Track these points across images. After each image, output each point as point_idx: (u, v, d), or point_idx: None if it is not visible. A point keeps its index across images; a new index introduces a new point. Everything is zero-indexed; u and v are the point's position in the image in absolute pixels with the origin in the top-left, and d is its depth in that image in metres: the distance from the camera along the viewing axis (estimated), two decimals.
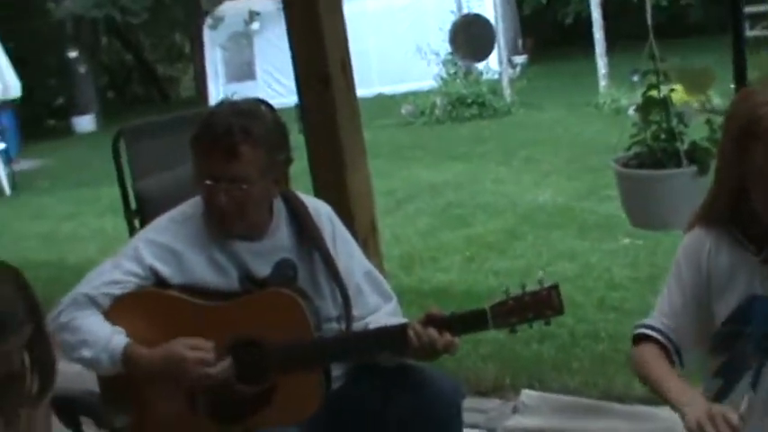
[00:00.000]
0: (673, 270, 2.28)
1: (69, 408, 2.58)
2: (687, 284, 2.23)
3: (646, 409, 3.41)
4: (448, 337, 2.40)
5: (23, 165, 14.68)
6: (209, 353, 2.46)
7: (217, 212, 2.54)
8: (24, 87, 14.33)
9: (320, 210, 2.77)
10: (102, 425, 2.53)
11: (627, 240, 6.11)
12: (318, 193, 3.46)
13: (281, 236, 2.66)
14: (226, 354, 2.50)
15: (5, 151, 12.70)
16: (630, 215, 3.87)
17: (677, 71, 3.95)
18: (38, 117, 21.17)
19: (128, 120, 3.63)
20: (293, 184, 3.46)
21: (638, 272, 5.50)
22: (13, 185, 12.49)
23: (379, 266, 3.63)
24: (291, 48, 3.49)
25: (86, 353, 2.50)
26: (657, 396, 2.19)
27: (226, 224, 2.57)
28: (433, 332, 2.40)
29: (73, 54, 20.57)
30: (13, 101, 14.18)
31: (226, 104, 2.62)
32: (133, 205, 3.21)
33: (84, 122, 19.57)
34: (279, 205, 2.68)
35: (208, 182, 2.50)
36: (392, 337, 2.47)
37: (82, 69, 20.68)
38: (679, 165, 3.62)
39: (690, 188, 3.49)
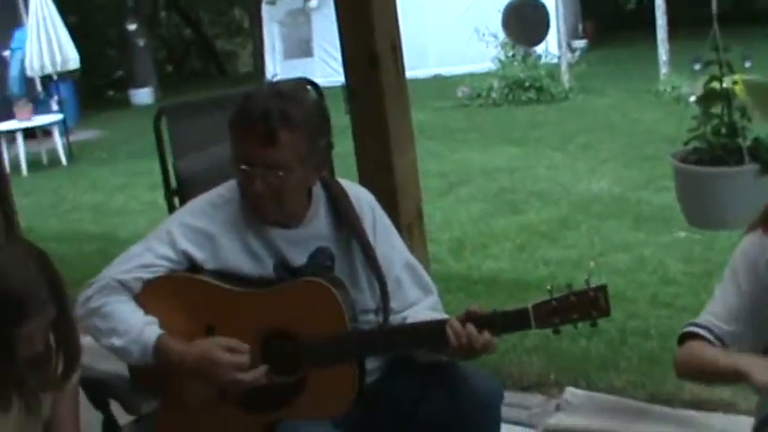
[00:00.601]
0: (727, 273, 2.17)
1: (98, 390, 2.55)
2: (745, 291, 2.12)
3: (695, 413, 3.29)
4: (487, 336, 2.31)
5: (81, 135, 14.80)
6: (245, 356, 2.39)
7: (252, 199, 2.46)
8: (84, 59, 14.42)
9: (361, 198, 2.67)
10: (129, 409, 2.48)
11: (683, 234, 5.94)
12: (363, 177, 3.39)
13: (319, 224, 2.57)
14: (258, 345, 2.42)
15: (63, 122, 12.80)
16: (687, 213, 3.74)
17: (749, 85, 3.75)
18: (97, 89, 21.40)
19: (185, 93, 3.58)
20: (338, 163, 3.41)
21: (692, 267, 5.35)
22: (70, 156, 12.59)
23: (424, 254, 3.55)
24: (339, 25, 3.40)
25: (117, 341, 2.43)
26: (715, 378, 2.12)
27: (261, 211, 2.48)
28: (472, 330, 2.30)
29: (132, 27, 20.68)
30: (72, 72, 14.26)
31: (265, 86, 2.52)
32: (173, 184, 3.15)
33: (142, 95, 19.69)
34: (318, 192, 2.59)
35: (243, 167, 2.41)
36: (430, 333, 2.38)
37: (141, 42, 20.79)
38: (740, 162, 3.48)
39: (751, 187, 3.35)
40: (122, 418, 2.55)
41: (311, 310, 2.43)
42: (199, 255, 2.50)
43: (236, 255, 2.50)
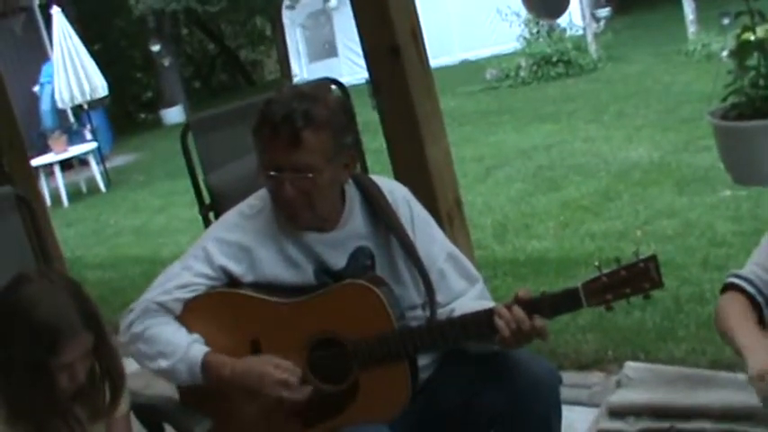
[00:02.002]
0: None
1: (151, 415, 2.54)
2: None
3: (727, 375, 3.20)
4: (538, 321, 2.25)
5: (117, 161, 14.95)
6: (294, 376, 2.35)
7: (284, 205, 2.42)
8: (112, 85, 14.54)
9: (396, 192, 2.62)
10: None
11: (728, 192, 5.82)
12: (397, 170, 3.35)
13: (355, 223, 2.52)
14: (305, 354, 2.39)
15: (98, 149, 12.91)
16: (731, 171, 3.64)
17: None
18: (128, 113, 21.60)
19: (216, 107, 3.55)
20: (373, 160, 3.38)
21: (742, 226, 5.22)
22: (108, 182, 12.70)
23: (467, 241, 3.51)
24: (356, 21, 3.35)
25: (164, 363, 2.41)
26: (730, 344, 2.06)
27: (295, 217, 2.44)
28: (521, 317, 2.25)
29: (156, 48, 20.81)
30: (102, 99, 14.39)
31: (285, 89, 2.47)
32: (207, 199, 3.13)
33: (173, 114, 19.80)
34: (351, 191, 2.54)
35: (272, 173, 2.37)
36: (479, 323, 2.32)
37: (166, 62, 20.94)
38: None
39: None
40: None
41: (356, 314, 2.39)
42: (237, 269, 2.47)
43: (274, 264, 2.47)
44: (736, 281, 2.14)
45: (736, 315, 2.06)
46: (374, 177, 2.66)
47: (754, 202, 5.50)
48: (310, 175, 2.34)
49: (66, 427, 2.16)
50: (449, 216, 3.35)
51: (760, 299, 2.09)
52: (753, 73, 3.55)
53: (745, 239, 4.93)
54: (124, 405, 2.36)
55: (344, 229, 2.50)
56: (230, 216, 2.58)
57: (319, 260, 2.48)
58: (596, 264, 2.25)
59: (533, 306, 2.26)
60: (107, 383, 2.23)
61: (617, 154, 7.74)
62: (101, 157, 13.07)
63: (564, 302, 2.27)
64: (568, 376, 3.61)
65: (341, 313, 2.39)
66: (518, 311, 2.25)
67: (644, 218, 5.89)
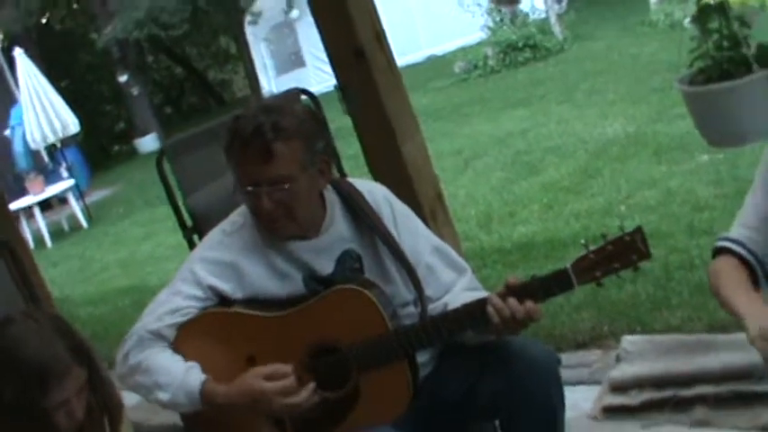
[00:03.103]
0: (756, 182, 2.13)
1: None
2: None
3: (736, 336, 3.21)
4: (530, 305, 2.25)
5: (96, 195, 14.90)
6: (290, 379, 2.34)
7: (264, 218, 2.42)
8: (83, 120, 14.49)
9: (375, 192, 2.62)
10: None
11: (705, 157, 5.85)
12: (375, 172, 3.36)
13: (338, 228, 2.52)
14: (304, 366, 2.38)
15: (76, 186, 12.86)
16: (705, 135, 3.65)
17: None
18: (102, 146, 21.51)
19: (189, 130, 3.55)
20: (351, 165, 3.38)
21: (722, 188, 5.24)
22: (89, 218, 12.65)
23: (452, 235, 3.51)
24: (318, 28, 3.35)
25: (163, 395, 2.40)
26: (726, 310, 2.06)
27: (276, 228, 2.44)
28: (513, 303, 2.25)
29: (123, 78, 20.77)
30: (75, 136, 14.34)
31: (252, 104, 2.47)
32: (189, 222, 3.13)
33: (147, 142, 19.76)
34: (331, 196, 2.54)
35: (248, 188, 2.37)
36: (471, 315, 2.32)
37: (135, 91, 20.89)
38: (749, 71, 3.38)
39: (765, 94, 3.24)
40: None
41: (350, 318, 2.38)
42: (225, 287, 2.47)
43: (262, 278, 2.47)
44: (727, 244, 2.14)
45: (730, 280, 2.07)
46: (352, 180, 2.67)
47: (731, 163, 5.53)
48: (286, 186, 2.34)
49: None
50: (431, 211, 3.35)
51: (751, 259, 2.10)
52: (716, 36, 3.56)
53: (728, 201, 4.95)
54: None
55: (328, 235, 2.50)
56: (213, 235, 2.57)
57: (307, 268, 2.47)
58: (583, 242, 2.25)
59: (524, 291, 2.26)
60: (105, 416, 2.21)
61: (592, 131, 7.76)
62: (79, 193, 13.03)
63: (555, 284, 2.27)
64: (567, 357, 3.62)
65: (335, 319, 2.39)
66: (510, 299, 2.25)
67: (626, 191, 5.91)
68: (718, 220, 4.73)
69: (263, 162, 2.32)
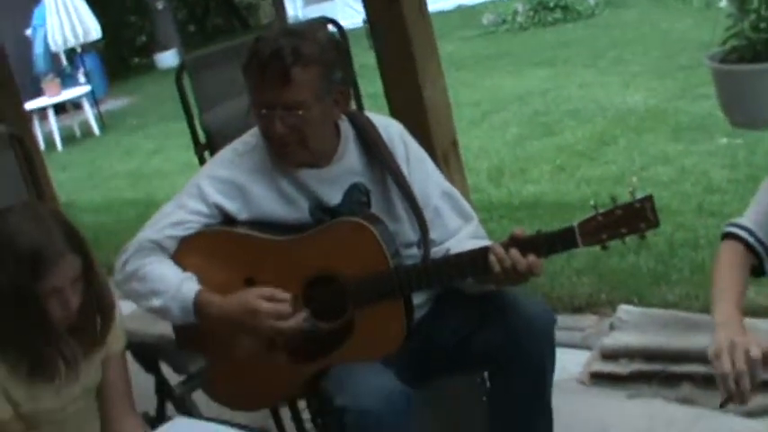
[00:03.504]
0: None
1: (147, 353, 2.54)
2: None
3: (753, 320, 3.20)
4: (532, 258, 2.24)
5: (111, 105, 14.81)
6: (285, 305, 2.34)
7: (275, 143, 2.40)
8: (106, 29, 14.38)
9: (391, 129, 2.59)
10: (179, 369, 2.46)
11: (724, 140, 5.80)
12: (394, 112, 3.33)
13: (350, 160, 2.50)
14: (300, 292, 2.38)
15: (92, 93, 12.80)
16: (729, 115, 3.62)
17: None
18: (122, 57, 21.33)
19: (211, 48, 3.52)
20: (370, 104, 3.35)
21: (737, 173, 5.20)
22: (102, 126, 12.61)
23: (462, 184, 3.50)
24: None
25: (156, 302, 2.41)
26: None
27: (286, 154, 2.43)
28: (516, 255, 2.24)
29: None
30: (96, 43, 14.24)
31: (274, 27, 2.44)
32: (202, 139, 3.12)
33: (167, 58, 19.57)
34: (346, 127, 2.53)
35: (263, 111, 2.35)
36: (473, 262, 2.32)
37: (160, 5, 20.65)
38: None
39: None
40: (174, 378, 2.53)
41: (351, 251, 2.38)
42: (231, 206, 2.46)
43: (268, 201, 2.46)
44: (735, 230, 2.13)
45: (728, 277, 2.06)
46: (370, 114, 2.64)
47: (749, 149, 5.48)
48: (300, 112, 2.32)
49: (59, 359, 2.14)
50: (445, 157, 3.34)
51: (759, 248, 2.08)
52: (753, 16, 3.52)
53: (740, 187, 4.93)
54: (120, 343, 2.35)
55: (339, 166, 2.49)
56: (224, 153, 2.56)
57: (314, 197, 2.47)
58: (592, 203, 2.24)
59: (529, 244, 2.26)
60: (98, 315, 2.21)
61: (613, 100, 7.69)
62: (95, 100, 12.96)
63: (559, 241, 2.26)
64: (562, 319, 3.61)
65: (336, 251, 2.39)
66: (513, 250, 2.25)
67: (639, 164, 5.88)
68: (728, 203, 4.71)
69: (280, 86, 2.30)
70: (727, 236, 2.15)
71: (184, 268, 2.45)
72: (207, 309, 2.39)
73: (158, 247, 2.46)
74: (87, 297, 2.14)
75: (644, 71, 8.54)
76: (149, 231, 2.48)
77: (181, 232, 2.47)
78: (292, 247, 2.42)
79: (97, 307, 2.19)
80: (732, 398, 1.86)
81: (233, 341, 2.45)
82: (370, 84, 3.80)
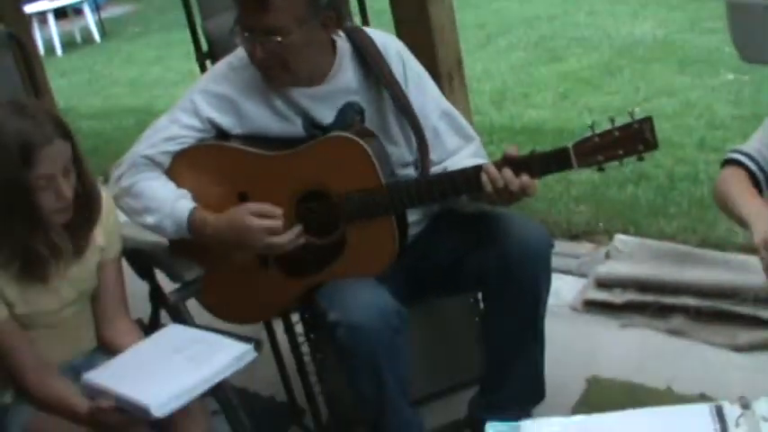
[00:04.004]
0: None
1: (142, 260, 2.54)
2: None
3: (748, 258, 3.21)
4: (525, 178, 2.19)
5: (113, 11, 14.62)
6: (277, 220, 2.32)
7: (258, 66, 2.36)
8: None
9: (389, 45, 2.52)
10: (174, 277, 2.46)
11: (731, 76, 5.76)
12: (399, 30, 3.29)
13: (344, 78, 2.45)
14: (293, 207, 2.37)
15: None
16: (740, 49, 3.57)
17: None
18: None
19: None
20: (375, 21, 3.30)
21: (741, 109, 5.18)
22: (103, 32, 12.48)
23: (465, 105, 3.47)
24: None
25: (150, 219, 2.40)
26: (732, 216, 2.02)
27: (269, 77, 2.38)
28: (508, 174, 2.19)
29: None
30: None
31: None
32: (204, 47, 3.07)
33: None
34: (343, 44, 2.46)
35: (245, 34, 2.30)
36: (466, 180, 2.28)
37: None
38: None
39: None
40: (168, 286, 2.53)
41: (343, 166, 2.34)
42: (224, 120, 2.44)
43: (262, 117, 2.43)
44: (738, 156, 2.10)
45: (738, 185, 2.03)
46: (369, 30, 2.57)
47: (756, 86, 5.44)
48: (279, 38, 2.25)
49: (50, 257, 2.14)
50: (449, 76, 3.31)
51: (760, 175, 2.06)
52: None
53: (744, 123, 4.90)
54: (116, 249, 2.35)
55: (333, 83, 2.44)
56: (219, 67, 2.52)
57: (306, 115, 2.43)
58: (589, 124, 2.17)
59: (522, 164, 2.20)
60: (86, 209, 2.20)
61: (620, 29, 7.61)
62: (96, 6, 12.79)
63: (553, 161, 2.20)
64: (559, 245, 3.60)
65: (327, 166, 2.36)
66: (506, 170, 2.20)
67: (644, 95, 5.84)
68: (731, 140, 4.68)
69: (259, 11, 2.23)
70: (730, 162, 2.12)
71: (178, 183, 2.44)
72: (201, 226, 2.38)
73: (152, 162, 2.44)
74: (79, 189, 2.13)
75: (653, 1, 8.43)
76: (143, 146, 2.46)
77: (174, 147, 2.44)
78: (284, 162, 2.39)
79: (84, 200, 2.17)
80: None
81: (227, 255, 2.44)
82: (376, 0, 3.74)
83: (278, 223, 2.33)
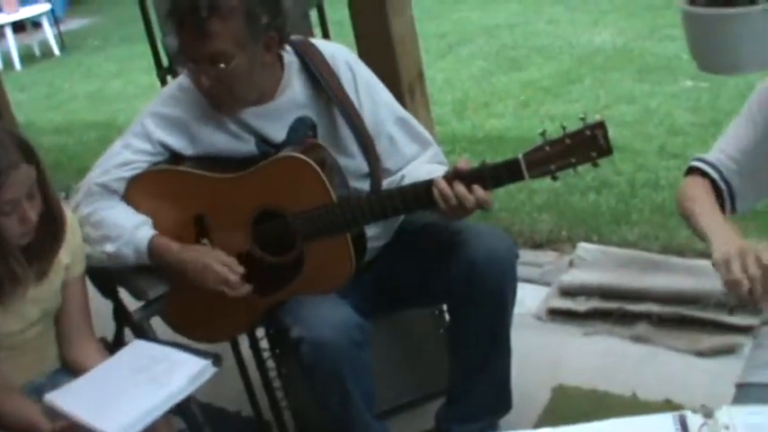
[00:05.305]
0: (744, 111, 2.04)
1: (105, 278, 2.52)
2: (761, 130, 2.01)
3: (708, 263, 3.23)
4: (479, 192, 2.15)
5: (72, 24, 14.48)
6: (235, 275, 2.34)
7: (206, 95, 2.36)
8: None
9: (337, 56, 2.50)
10: (137, 295, 2.44)
11: (689, 83, 5.81)
12: (360, 41, 3.29)
13: (293, 93, 2.43)
14: (248, 227, 2.37)
15: (52, 11, 12.50)
16: (698, 59, 3.60)
17: None
18: None
19: None
20: (336, 31, 3.29)
21: (700, 116, 5.23)
22: (62, 46, 12.35)
23: (427, 116, 3.48)
24: None
25: (109, 247, 2.38)
26: (692, 230, 2.00)
27: (219, 105, 2.38)
28: (460, 189, 2.16)
29: None
30: None
31: None
32: (165, 62, 3.06)
33: None
34: (290, 59, 2.45)
35: (189, 64, 2.29)
36: (417, 196, 2.25)
37: None
38: (753, 1, 3.31)
39: (765, 28, 3.19)
40: (132, 304, 2.52)
41: (294, 186, 2.33)
42: (176, 143, 2.43)
43: (214, 138, 2.42)
44: (700, 165, 2.09)
45: (699, 199, 2.01)
46: (315, 41, 2.56)
47: (714, 93, 5.50)
48: (222, 65, 2.24)
49: (6, 278, 2.10)
50: (410, 89, 3.31)
51: (722, 185, 2.06)
52: None
53: (703, 130, 4.96)
54: (80, 267, 2.33)
55: (282, 99, 2.42)
56: (169, 89, 2.51)
57: (258, 134, 2.42)
58: (540, 132, 2.13)
59: (473, 177, 2.17)
60: (50, 230, 2.18)
61: (581, 37, 7.66)
62: (55, 19, 12.66)
63: (505, 173, 2.16)
64: (522, 254, 3.58)
65: (280, 186, 2.34)
66: (457, 185, 2.17)
67: (604, 102, 5.88)
68: (691, 146, 4.73)
69: (199, 40, 2.22)
70: (692, 170, 2.11)
71: (134, 209, 2.43)
72: (162, 253, 2.38)
73: (107, 190, 2.43)
74: (45, 212, 2.11)
75: (612, 9, 8.50)
76: (96, 173, 2.45)
77: (128, 173, 2.43)
78: (238, 184, 2.38)
79: (49, 222, 2.15)
80: (743, 304, 1.81)
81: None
82: (336, 11, 3.75)
83: (236, 278, 2.34)
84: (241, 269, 2.35)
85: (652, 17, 7.72)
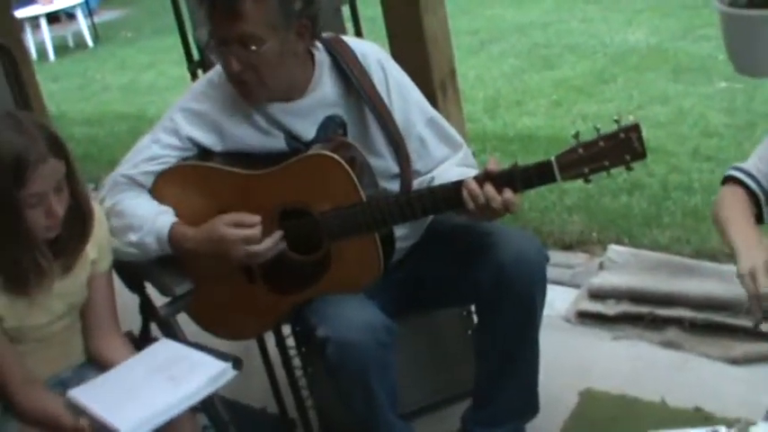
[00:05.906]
0: None
1: (133, 273, 2.51)
2: None
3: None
4: (508, 194, 2.12)
5: (106, 16, 14.56)
6: (254, 229, 2.29)
7: (233, 81, 2.32)
8: None
9: (369, 54, 2.46)
10: (164, 291, 2.44)
11: (724, 84, 5.74)
12: (392, 38, 3.26)
13: (324, 91, 2.40)
14: (274, 224, 2.34)
15: (86, 3, 12.57)
16: (735, 60, 3.54)
17: None
18: None
19: None
20: (368, 28, 3.27)
21: (735, 118, 5.16)
22: (96, 37, 12.42)
23: (458, 113, 3.45)
24: None
25: (133, 237, 2.37)
26: (723, 238, 1.98)
27: (247, 94, 2.34)
28: (490, 190, 2.13)
29: None
30: None
31: None
32: (195, 55, 3.04)
33: None
34: (321, 56, 2.42)
35: (219, 47, 2.26)
36: (446, 197, 2.22)
37: None
38: None
39: None
40: (159, 299, 2.51)
41: (323, 184, 2.30)
42: (205, 138, 2.42)
43: (243, 134, 2.40)
44: (738, 174, 2.06)
45: (733, 209, 1.99)
46: (347, 39, 2.53)
47: (749, 95, 5.43)
48: (254, 47, 2.21)
49: (31, 272, 2.10)
50: (442, 86, 3.27)
51: (760, 194, 2.03)
52: None
53: (737, 132, 4.89)
54: (107, 262, 2.33)
55: (312, 97, 2.40)
56: (199, 84, 2.50)
57: (287, 131, 2.39)
58: (573, 134, 2.09)
59: (503, 179, 2.14)
60: (77, 225, 2.17)
61: (614, 36, 7.60)
62: (89, 11, 12.73)
63: (536, 175, 2.13)
64: (552, 256, 3.56)
65: (308, 184, 2.31)
66: (487, 186, 2.14)
67: (637, 102, 5.82)
68: (725, 149, 4.68)
69: (230, 20, 2.19)
70: (729, 179, 2.09)
71: (161, 203, 2.42)
72: (181, 240, 2.36)
73: (133, 182, 2.43)
74: (73, 206, 2.11)
75: (647, 8, 8.42)
76: (125, 167, 2.45)
77: (155, 167, 2.43)
78: (265, 181, 2.35)
79: (76, 217, 2.15)
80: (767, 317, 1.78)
81: (213, 271, 2.42)
82: (368, 6, 3.72)
83: (255, 232, 2.29)
84: (255, 218, 2.29)
85: (687, 16, 7.64)
